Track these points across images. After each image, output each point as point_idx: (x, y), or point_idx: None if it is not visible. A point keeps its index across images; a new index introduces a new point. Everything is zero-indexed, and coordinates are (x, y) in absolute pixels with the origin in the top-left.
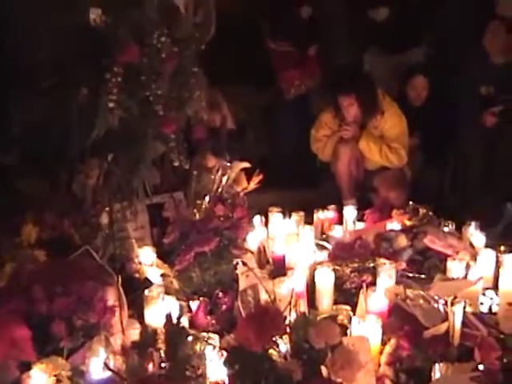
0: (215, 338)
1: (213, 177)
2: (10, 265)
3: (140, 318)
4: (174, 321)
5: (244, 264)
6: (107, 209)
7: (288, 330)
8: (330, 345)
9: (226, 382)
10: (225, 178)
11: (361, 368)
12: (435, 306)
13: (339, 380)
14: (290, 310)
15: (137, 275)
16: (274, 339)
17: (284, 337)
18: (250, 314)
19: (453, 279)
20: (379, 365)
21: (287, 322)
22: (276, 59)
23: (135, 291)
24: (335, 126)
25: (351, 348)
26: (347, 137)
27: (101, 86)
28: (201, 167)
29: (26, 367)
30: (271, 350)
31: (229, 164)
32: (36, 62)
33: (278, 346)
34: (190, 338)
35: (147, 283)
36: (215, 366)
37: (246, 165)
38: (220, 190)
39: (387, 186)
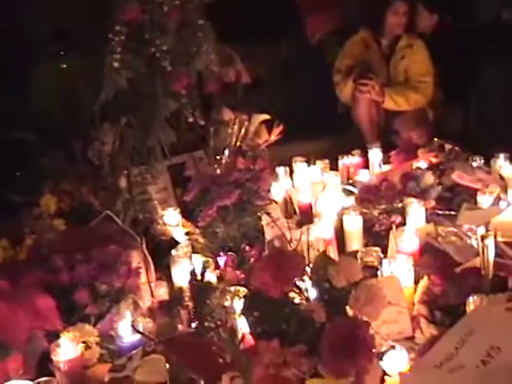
0: (244, 291)
1: (230, 130)
2: (31, 237)
3: (169, 279)
4: (199, 277)
5: (268, 214)
6: (125, 173)
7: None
8: (351, 282)
9: (248, 330)
10: (243, 131)
11: (385, 304)
12: (468, 241)
13: (364, 318)
14: (308, 252)
15: (163, 237)
16: (294, 282)
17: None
18: (265, 257)
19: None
20: (414, 304)
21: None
22: (301, 3)
23: (163, 253)
24: (361, 54)
25: (376, 285)
26: (364, 97)
27: (104, 46)
28: (217, 122)
29: (54, 337)
30: (293, 294)
31: (248, 117)
32: (38, 32)
33: (299, 289)
34: (217, 293)
35: (174, 244)
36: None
37: (266, 117)
38: (239, 143)
39: (408, 127)
